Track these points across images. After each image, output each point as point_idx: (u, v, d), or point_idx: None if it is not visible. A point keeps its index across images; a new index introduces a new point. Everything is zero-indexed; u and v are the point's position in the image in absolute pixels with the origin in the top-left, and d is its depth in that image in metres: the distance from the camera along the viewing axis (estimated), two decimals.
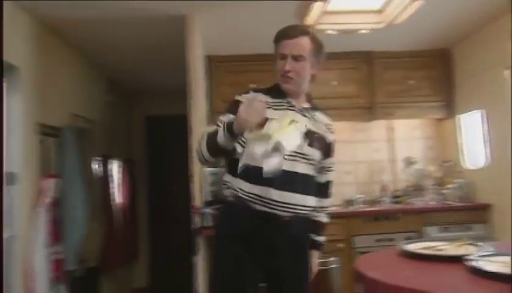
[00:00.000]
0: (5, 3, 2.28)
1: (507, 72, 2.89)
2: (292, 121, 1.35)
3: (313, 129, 1.55)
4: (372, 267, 1.19)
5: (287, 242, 1.51)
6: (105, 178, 3.76)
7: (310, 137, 1.52)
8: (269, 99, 1.51)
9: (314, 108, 1.64)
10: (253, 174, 1.42)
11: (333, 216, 3.18)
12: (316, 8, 2.62)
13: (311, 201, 1.55)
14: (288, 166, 1.44)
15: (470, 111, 3.36)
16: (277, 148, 1.27)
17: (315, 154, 1.54)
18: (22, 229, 2.39)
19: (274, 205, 1.44)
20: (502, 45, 2.88)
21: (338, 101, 3.51)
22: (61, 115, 3.02)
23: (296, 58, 1.51)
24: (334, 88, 3.53)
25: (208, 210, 2.47)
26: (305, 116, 1.56)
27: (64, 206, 2.69)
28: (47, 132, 2.74)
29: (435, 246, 1.34)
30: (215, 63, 3.50)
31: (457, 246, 1.33)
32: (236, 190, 1.48)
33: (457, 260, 1.14)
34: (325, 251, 2.97)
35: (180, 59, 2.96)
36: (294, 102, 1.56)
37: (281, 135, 1.28)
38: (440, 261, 1.20)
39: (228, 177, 1.54)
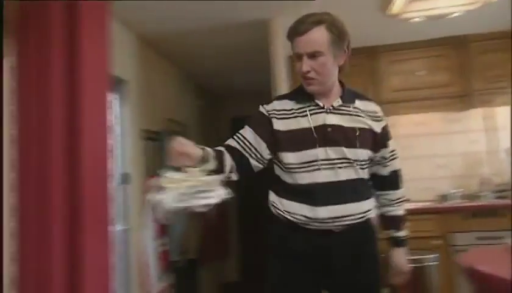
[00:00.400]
0: (114, 24, 2.60)
1: None
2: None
3: (351, 125, 1.38)
4: (483, 261, 1.13)
5: (345, 253, 1.37)
6: None
7: (348, 136, 1.36)
8: (294, 106, 1.39)
9: (351, 99, 1.44)
10: (295, 193, 1.35)
11: (427, 212, 3.09)
12: None
13: (366, 205, 1.40)
14: (328, 176, 1.33)
15: None
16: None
17: (359, 153, 1.37)
18: (135, 223, 2.70)
19: (325, 222, 1.33)
20: None
21: (427, 91, 3.35)
22: (159, 120, 3.33)
23: (312, 55, 1.32)
24: (422, 78, 3.36)
25: None
26: (339, 114, 1.39)
27: None
28: (149, 136, 3.05)
29: None
30: None
31: None
32: (283, 212, 1.38)
33: None
34: (420, 248, 2.89)
35: (264, 61, 3.07)
36: (322, 103, 1.39)
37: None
38: None
39: (273, 197, 1.45)
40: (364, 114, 1.42)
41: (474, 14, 2.82)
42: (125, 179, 2.66)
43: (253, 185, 5.02)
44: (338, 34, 1.35)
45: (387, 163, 1.51)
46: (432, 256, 2.69)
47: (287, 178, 1.39)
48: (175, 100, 3.87)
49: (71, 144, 1.69)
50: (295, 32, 1.35)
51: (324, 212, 1.32)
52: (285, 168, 1.38)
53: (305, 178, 1.34)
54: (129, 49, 2.88)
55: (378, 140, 1.43)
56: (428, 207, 3.13)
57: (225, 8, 2.63)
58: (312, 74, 1.34)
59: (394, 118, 3.62)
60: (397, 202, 1.54)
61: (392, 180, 1.54)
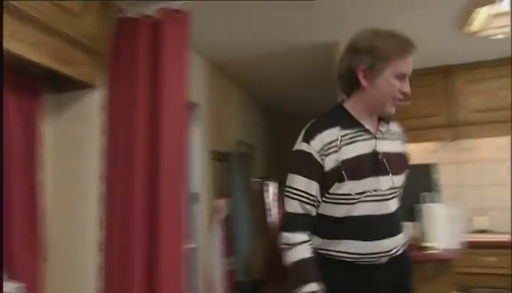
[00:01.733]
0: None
1: None
2: None
3: (394, 150, 1.32)
4: None
5: (388, 284, 1.29)
6: (263, 198, 4.09)
7: (395, 162, 1.29)
8: (340, 132, 1.27)
9: (388, 122, 1.36)
10: (345, 228, 1.25)
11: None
12: (484, 12, 2.39)
13: (405, 233, 1.35)
14: (381, 208, 1.25)
15: None
16: None
17: (401, 180, 1.32)
18: (202, 242, 2.80)
19: (380, 256, 1.25)
20: None
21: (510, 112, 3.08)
22: (228, 142, 3.45)
23: (408, 76, 1.28)
24: (505, 99, 3.11)
25: None
26: (384, 139, 1.31)
27: (234, 223, 3.03)
28: (219, 157, 3.16)
29: None
30: None
31: None
32: (330, 251, 1.28)
33: None
34: (503, 287, 2.62)
35: (330, 83, 3.06)
36: (368, 126, 1.30)
37: None
38: None
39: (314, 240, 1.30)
40: (398, 137, 1.38)
41: None
42: (194, 198, 2.78)
43: None
44: None
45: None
46: None
47: (336, 212, 1.27)
48: (244, 122, 3.98)
49: (152, 165, 1.82)
50: (408, 50, 1.25)
51: (380, 246, 1.25)
52: (337, 199, 1.26)
53: (359, 209, 1.25)
54: (199, 73, 3.05)
55: (407, 164, 1.38)
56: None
57: (294, 31, 2.68)
58: (408, 95, 1.27)
59: (473, 141, 3.38)
60: None
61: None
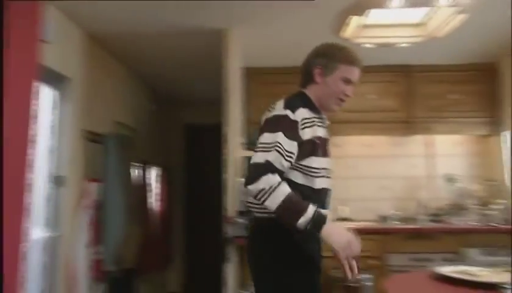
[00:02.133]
0: (59, 19, 2.47)
1: None
2: None
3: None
4: (402, 289, 1.17)
5: None
6: (144, 184, 3.91)
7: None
8: (310, 114, 1.47)
9: None
10: (313, 198, 1.41)
11: (368, 232, 3.17)
12: (354, 21, 2.62)
13: None
14: (328, 183, 1.52)
15: None
16: None
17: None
18: (67, 229, 2.54)
19: None
20: None
21: (376, 114, 3.48)
22: (105, 122, 3.20)
23: (353, 84, 1.56)
24: (372, 102, 3.49)
25: (241, 220, 2.51)
26: (326, 127, 1.59)
27: (105, 209, 2.83)
28: (93, 138, 2.91)
29: (470, 271, 1.29)
30: (252, 75, 3.57)
31: (495, 273, 1.27)
32: None
33: (491, 288, 1.10)
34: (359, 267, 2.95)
35: (218, 70, 3.05)
36: (325, 117, 1.60)
37: None
38: (474, 288, 1.16)
39: None
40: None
41: (420, 47, 2.97)
42: (59, 181, 2.51)
43: (201, 193, 5.03)
44: None
45: None
46: (367, 276, 2.75)
47: (306, 182, 1.45)
48: (125, 103, 3.74)
49: None
50: (358, 62, 1.53)
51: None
52: (309, 172, 1.45)
53: (321, 183, 1.48)
54: (75, 46, 2.74)
55: None
56: (369, 228, 3.22)
57: (180, 14, 2.59)
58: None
59: (342, 138, 3.74)
60: None
61: None
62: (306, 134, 1.42)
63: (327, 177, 1.52)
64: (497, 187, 3.39)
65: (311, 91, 1.56)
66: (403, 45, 2.94)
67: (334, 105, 1.55)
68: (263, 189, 1.30)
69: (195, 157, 5.07)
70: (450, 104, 3.44)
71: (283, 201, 1.29)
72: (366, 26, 2.72)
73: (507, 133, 3.31)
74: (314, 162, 1.44)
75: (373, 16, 2.58)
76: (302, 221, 1.28)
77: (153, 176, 4.26)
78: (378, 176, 3.68)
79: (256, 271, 1.45)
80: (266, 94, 3.54)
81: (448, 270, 1.32)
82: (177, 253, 4.91)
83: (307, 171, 1.44)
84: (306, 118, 1.44)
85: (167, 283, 4.85)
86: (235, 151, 2.77)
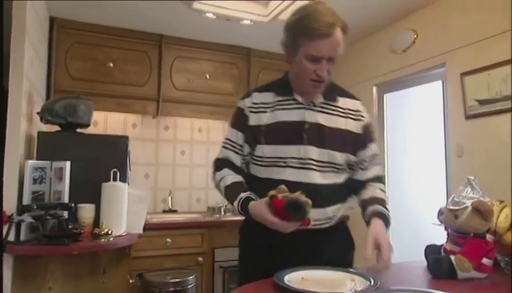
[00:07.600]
0: None
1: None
2: None
3: (333, 125, 1.28)
4: None
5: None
6: None
7: (328, 136, 1.26)
8: (273, 98, 1.31)
9: (333, 97, 1.32)
10: (264, 189, 1.19)
11: (194, 226, 2.84)
12: None
13: (331, 212, 1.28)
14: (297, 176, 1.23)
15: None
16: None
17: (335, 156, 1.26)
18: None
19: None
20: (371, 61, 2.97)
21: (210, 96, 3.18)
22: None
23: (330, 59, 1.20)
24: (207, 82, 3.18)
25: (26, 217, 1.77)
26: (319, 111, 1.29)
27: None
28: None
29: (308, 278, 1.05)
30: (61, 29, 2.77)
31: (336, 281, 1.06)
32: None
33: None
34: (183, 266, 2.59)
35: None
36: (301, 98, 1.29)
37: None
38: None
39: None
40: (345, 113, 1.32)
41: (262, 29, 2.79)
42: None
43: None
44: (346, 31, 1.22)
45: (365, 168, 1.33)
46: (190, 277, 2.41)
47: (258, 173, 1.31)
48: None
49: None
50: (319, 33, 1.17)
51: None
52: (254, 161, 1.31)
53: (274, 173, 1.26)
54: None
55: (356, 142, 1.31)
56: (196, 221, 2.90)
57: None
58: (325, 78, 1.23)
59: (175, 119, 3.31)
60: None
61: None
62: (252, 121, 1.30)
63: (294, 167, 1.24)
64: None
65: (291, 72, 1.34)
66: (246, 22, 2.71)
67: (309, 87, 1.26)
68: (216, 186, 1.36)
69: None
70: None
71: (225, 194, 1.31)
72: None
73: None
74: (258, 150, 1.28)
75: None
76: (237, 209, 1.25)
77: None
78: (210, 164, 3.40)
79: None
80: (84, 57, 2.82)
81: (294, 276, 1.05)
82: None
83: (254, 160, 1.31)
84: (258, 103, 1.31)
85: None
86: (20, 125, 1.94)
